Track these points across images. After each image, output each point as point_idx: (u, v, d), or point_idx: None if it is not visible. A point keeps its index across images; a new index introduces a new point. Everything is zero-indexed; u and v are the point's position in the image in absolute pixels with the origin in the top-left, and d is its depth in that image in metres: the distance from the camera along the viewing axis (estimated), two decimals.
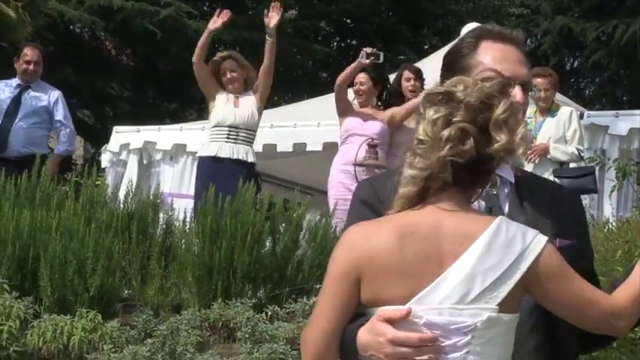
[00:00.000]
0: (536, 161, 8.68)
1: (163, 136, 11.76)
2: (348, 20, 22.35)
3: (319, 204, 8.50)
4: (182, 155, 11.69)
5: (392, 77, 9.32)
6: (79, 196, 7.48)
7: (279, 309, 6.54)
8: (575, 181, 8.25)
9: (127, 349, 5.85)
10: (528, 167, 8.44)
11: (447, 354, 2.20)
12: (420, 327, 2.19)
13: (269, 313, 6.48)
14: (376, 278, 2.23)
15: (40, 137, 9.44)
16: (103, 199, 7.62)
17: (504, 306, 2.21)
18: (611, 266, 4.64)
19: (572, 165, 8.83)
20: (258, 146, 8.63)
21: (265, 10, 8.62)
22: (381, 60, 8.63)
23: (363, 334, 2.25)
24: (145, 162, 11.92)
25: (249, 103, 8.49)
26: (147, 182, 10.80)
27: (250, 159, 8.34)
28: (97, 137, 18.02)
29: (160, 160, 11.83)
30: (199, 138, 10.61)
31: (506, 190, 2.58)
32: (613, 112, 10.34)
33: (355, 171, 8.44)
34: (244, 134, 8.41)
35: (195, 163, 9.60)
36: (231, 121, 8.40)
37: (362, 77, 8.76)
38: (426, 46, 21.65)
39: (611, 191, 7.10)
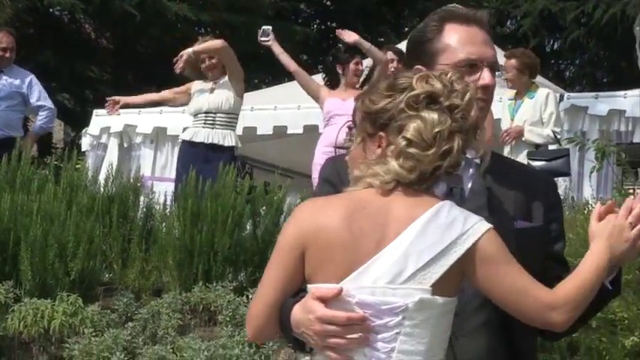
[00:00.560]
0: (513, 144, 8.58)
1: (144, 119, 11.73)
2: (328, 2, 22.28)
3: (300, 187, 8.49)
4: (162, 138, 11.69)
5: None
6: (59, 180, 7.45)
7: None
8: (548, 164, 8.15)
9: (108, 332, 5.83)
10: (504, 150, 8.43)
11: (377, 333, 2.19)
12: (352, 306, 2.19)
13: (250, 297, 6.47)
14: (319, 253, 2.23)
15: (15, 120, 9.41)
16: (83, 183, 7.60)
17: (439, 288, 2.19)
18: None
19: (550, 147, 8.76)
20: (238, 129, 8.58)
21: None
22: (270, 36, 8.58)
23: (297, 311, 2.26)
24: (125, 145, 11.91)
25: (224, 87, 8.43)
26: (127, 165, 10.80)
27: (228, 143, 8.26)
28: (77, 120, 17.94)
29: (141, 144, 11.82)
30: (180, 121, 10.59)
31: (470, 171, 2.56)
32: (593, 93, 10.39)
33: (336, 153, 8.37)
34: (222, 119, 8.35)
35: (176, 147, 9.59)
36: (206, 107, 8.36)
37: (358, 59, 8.63)
38: (406, 28, 21.61)
39: (591, 172, 7.11)
